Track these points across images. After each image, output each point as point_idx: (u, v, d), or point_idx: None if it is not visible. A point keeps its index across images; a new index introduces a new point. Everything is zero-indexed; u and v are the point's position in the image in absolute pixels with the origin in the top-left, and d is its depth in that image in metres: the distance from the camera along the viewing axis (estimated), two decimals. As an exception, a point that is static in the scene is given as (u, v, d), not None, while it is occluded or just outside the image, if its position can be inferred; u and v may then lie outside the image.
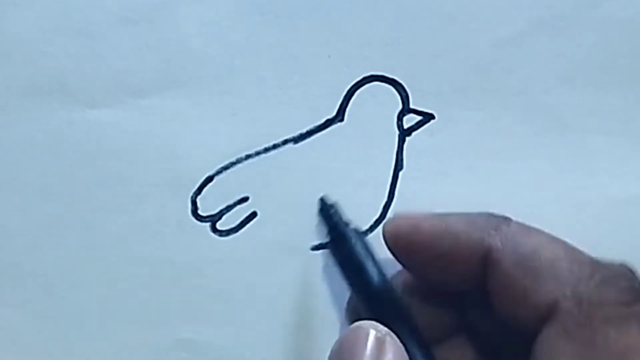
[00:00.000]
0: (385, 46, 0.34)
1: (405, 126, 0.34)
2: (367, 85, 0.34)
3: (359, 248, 0.31)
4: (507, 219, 0.28)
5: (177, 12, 0.34)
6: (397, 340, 0.26)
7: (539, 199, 0.34)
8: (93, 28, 0.34)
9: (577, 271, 0.26)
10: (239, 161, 0.34)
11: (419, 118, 0.34)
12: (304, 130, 0.34)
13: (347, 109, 0.34)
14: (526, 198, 0.34)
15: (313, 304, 0.34)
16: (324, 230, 0.33)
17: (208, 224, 0.34)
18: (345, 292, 0.33)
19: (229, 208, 0.34)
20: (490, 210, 0.29)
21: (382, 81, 0.34)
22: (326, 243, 0.33)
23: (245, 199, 0.34)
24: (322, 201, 0.33)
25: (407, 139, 0.34)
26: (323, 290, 0.33)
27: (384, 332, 0.26)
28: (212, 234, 0.34)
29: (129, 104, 0.34)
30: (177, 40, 0.34)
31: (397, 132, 0.34)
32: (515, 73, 0.34)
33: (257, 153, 0.34)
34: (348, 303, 0.33)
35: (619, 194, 0.34)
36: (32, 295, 0.34)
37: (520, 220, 0.29)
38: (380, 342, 0.26)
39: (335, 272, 0.33)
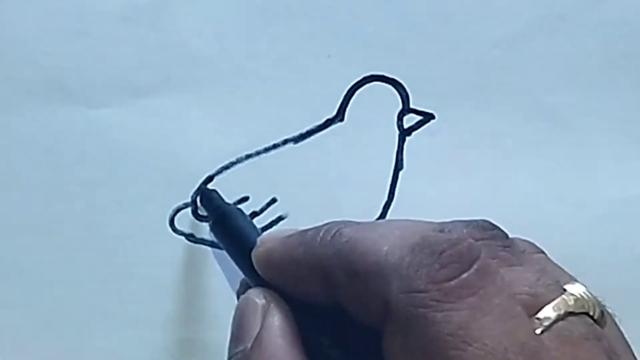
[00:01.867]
0: (385, 46, 0.34)
1: (406, 126, 0.34)
2: (367, 85, 0.34)
3: (242, 221, 0.31)
4: (343, 226, 0.27)
5: (177, 12, 0.34)
6: (284, 303, 0.27)
7: (538, 199, 0.34)
8: (93, 28, 0.34)
9: (399, 262, 0.24)
10: (239, 161, 0.34)
11: (419, 118, 0.34)
12: (304, 130, 0.34)
13: (347, 109, 0.34)
14: (526, 198, 0.34)
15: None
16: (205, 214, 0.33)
17: (208, 224, 0.34)
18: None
19: (229, 208, 0.34)
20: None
21: (382, 81, 0.34)
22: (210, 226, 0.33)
23: (245, 199, 0.34)
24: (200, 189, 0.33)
25: (407, 138, 0.34)
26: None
27: (268, 299, 0.27)
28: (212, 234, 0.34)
29: (129, 104, 0.34)
30: (177, 40, 0.34)
31: (397, 132, 0.34)
32: (516, 73, 0.34)
33: (257, 153, 0.34)
34: (241, 283, 0.32)
35: (618, 194, 0.34)
36: (32, 295, 0.34)
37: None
38: (264, 309, 0.27)
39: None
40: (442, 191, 0.34)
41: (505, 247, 0.26)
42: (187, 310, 0.34)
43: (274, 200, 0.34)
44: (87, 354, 0.34)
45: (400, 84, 0.34)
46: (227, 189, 0.34)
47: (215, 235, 0.32)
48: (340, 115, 0.34)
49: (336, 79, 0.34)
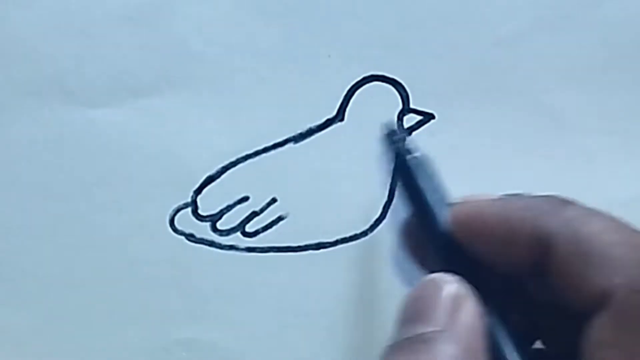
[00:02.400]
0: (385, 46, 0.34)
1: (406, 126, 0.34)
2: (367, 85, 0.34)
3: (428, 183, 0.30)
4: (568, 202, 0.27)
5: (177, 12, 0.34)
6: (472, 296, 0.26)
7: (539, 199, 0.34)
8: (93, 28, 0.34)
9: (634, 258, 0.25)
10: (239, 161, 0.34)
11: (419, 118, 0.34)
12: (304, 130, 0.34)
13: (347, 109, 0.34)
14: (526, 198, 0.34)
15: (313, 304, 0.34)
16: (390, 157, 0.32)
17: (208, 224, 0.34)
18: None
19: (229, 208, 0.34)
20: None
21: (382, 81, 0.34)
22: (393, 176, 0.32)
23: (245, 199, 0.34)
24: (387, 128, 0.32)
25: (408, 138, 0.34)
26: (323, 290, 0.33)
27: (459, 290, 0.26)
28: (213, 234, 0.34)
29: (129, 104, 0.34)
30: (177, 40, 0.34)
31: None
32: (516, 73, 0.34)
33: (257, 153, 0.34)
34: (403, 229, 0.31)
35: (618, 194, 0.34)
36: (32, 295, 0.34)
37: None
38: (455, 299, 0.26)
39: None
40: (442, 191, 0.34)
41: None
42: (187, 310, 0.34)
43: (274, 200, 0.34)
44: (87, 354, 0.34)
45: (401, 84, 0.34)
46: (227, 189, 0.34)
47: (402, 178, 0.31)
48: (340, 115, 0.34)
49: (336, 79, 0.34)
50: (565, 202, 0.27)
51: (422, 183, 0.30)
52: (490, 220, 0.27)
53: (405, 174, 0.31)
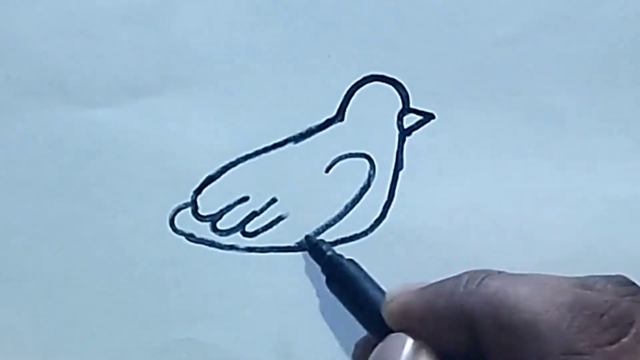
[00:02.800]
0: (385, 46, 0.34)
1: (406, 126, 0.34)
2: (367, 85, 0.34)
3: (359, 282, 0.32)
4: (490, 274, 0.27)
5: (177, 12, 0.34)
6: (432, 351, 0.28)
7: (539, 199, 0.34)
8: (93, 28, 0.34)
9: (558, 322, 0.25)
10: (239, 161, 0.34)
11: (419, 118, 0.34)
12: (304, 130, 0.34)
13: (347, 109, 0.34)
14: (526, 198, 0.34)
15: (312, 304, 0.34)
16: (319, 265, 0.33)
17: (208, 224, 0.34)
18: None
19: (229, 208, 0.34)
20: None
21: (382, 81, 0.34)
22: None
23: (245, 199, 0.34)
24: (309, 240, 0.34)
25: (407, 138, 0.34)
26: (322, 290, 0.33)
27: (420, 342, 0.28)
28: (213, 234, 0.34)
29: (129, 104, 0.34)
30: (177, 40, 0.34)
31: (397, 131, 0.34)
32: (516, 73, 0.34)
33: (257, 153, 0.34)
34: (357, 345, 0.32)
35: (619, 194, 0.34)
36: (32, 295, 0.34)
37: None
38: (416, 349, 0.28)
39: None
40: (442, 191, 0.34)
41: None
42: (188, 310, 0.34)
43: (274, 200, 0.34)
44: (87, 354, 0.34)
45: (401, 84, 0.34)
46: (227, 189, 0.34)
47: (331, 289, 0.32)
48: (340, 115, 0.34)
49: (336, 79, 0.34)
50: (488, 275, 0.27)
51: (356, 287, 0.31)
52: (418, 313, 0.28)
53: (338, 282, 0.32)
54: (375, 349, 0.28)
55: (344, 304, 0.32)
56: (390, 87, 0.34)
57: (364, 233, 0.34)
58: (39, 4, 0.34)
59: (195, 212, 0.34)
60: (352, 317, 0.32)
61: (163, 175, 0.34)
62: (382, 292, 0.31)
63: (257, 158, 0.34)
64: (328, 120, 0.34)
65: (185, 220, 0.34)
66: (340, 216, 0.34)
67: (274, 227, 0.34)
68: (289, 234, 0.34)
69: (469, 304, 0.27)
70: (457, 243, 0.34)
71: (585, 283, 0.26)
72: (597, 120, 0.34)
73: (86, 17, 0.34)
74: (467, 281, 0.27)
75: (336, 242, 0.34)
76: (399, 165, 0.34)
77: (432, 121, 0.34)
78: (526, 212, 0.34)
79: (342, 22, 0.34)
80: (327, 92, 0.34)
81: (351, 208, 0.34)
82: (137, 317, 0.34)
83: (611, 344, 0.24)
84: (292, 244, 0.34)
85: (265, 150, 0.34)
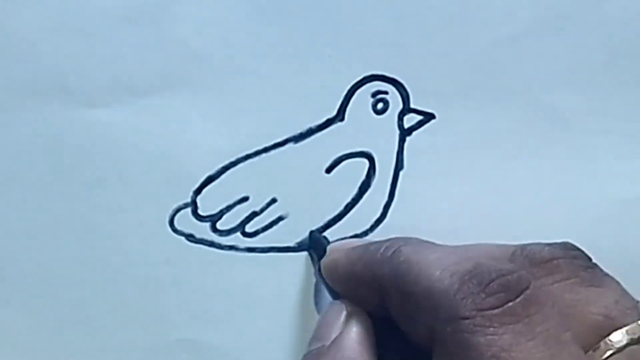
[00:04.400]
0: (385, 46, 0.34)
1: (406, 126, 0.34)
2: (367, 85, 0.34)
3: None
4: (402, 244, 0.28)
5: (178, 11, 0.34)
6: (366, 316, 0.29)
7: (540, 199, 0.34)
8: (93, 28, 0.34)
9: (448, 288, 0.25)
10: (239, 161, 0.34)
11: (420, 118, 0.34)
12: (304, 130, 0.34)
13: (348, 109, 0.34)
14: (527, 198, 0.34)
15: (313, 304, 0.34)
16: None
17: (208, 224, 0.34)
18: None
19: (229, 208, 0.34)
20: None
21: (382, 81, 0.34)
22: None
23: (245, 199, 0.34)
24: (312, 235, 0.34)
25: (408, 138, 0.34)
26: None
27: (351, 308, 0.29)
28: (213, 234, 0.34)
29: (129, 104, 0.34)
30: (177, 39, 0.34)
31: (398, 131, 0.34)
32: (516, 72, 0.34)
33: (257, 153, 0.34)
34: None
35: (620, 194, 0.34)
36: (31, 295, 0.34)
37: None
38: (349, 315, 0.29)
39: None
40: (442, 191, 0.34)
41: (588, 267, 0.27)
42: (187, 310, 0.34)
43: (274, 201, 0.34)
44: (87, 354, 0.34)
45: (401, 84, 0.34)
46: (227, 189, 0.34)
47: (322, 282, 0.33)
48: (340, 115, 0.34)
49: (336, 79, 0.34)
50: (405, 244, 0.28)
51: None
52: (342, 272, 0.30)
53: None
54: (320, 315, 0.31)
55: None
56: (391, 86, 0.34)
57: (364, 233, 0.34)
58: (39, 3, 0.33)
59: (195, 212, 0.34)
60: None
61: (163, 176, 0.34)
62: None
63: (257, 158, 0.34)
64: (328, 120, 0.34)
65: (185, 220, 0.34)
66: (340, 216, 0.34)
67: (274, 227, 0.34)
68: (289, 234, 0.34)
69: (380, 271, 0.28)
70: (458, 243, 0.34)
71: (510, 250, 0.27)
72: (598, 120, 0.34)
73: (86, 16, 0.34)
74: (385, 248, 0.28)
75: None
76: (399, 165, 0.34)
77: (433, 121, 0.34)
78: (527, 211, 0.34)
79: (342, 22, 0.34)
80: (327, 92, 0.34)
81: (351, 208, 0.34)
82: (136, 318, 0.34)
83: (493, 308, 0.24)
84: (292, 244, 0.34)
85: (266, 150, 0.34)
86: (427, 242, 0.29)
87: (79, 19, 0.34)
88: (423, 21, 0.34)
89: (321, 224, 0.34)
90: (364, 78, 0.34)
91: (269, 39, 0.34)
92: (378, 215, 0.34)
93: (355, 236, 0.34)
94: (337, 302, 0.30)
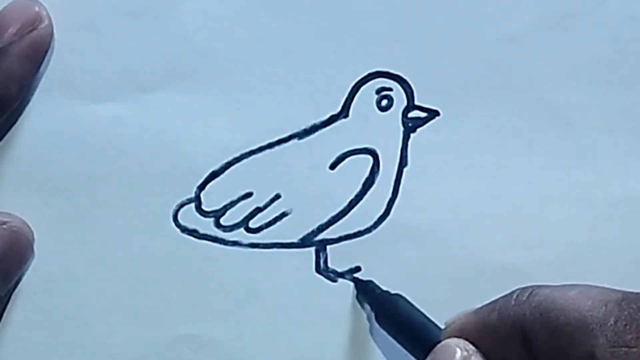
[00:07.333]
0: (390, 42, 0.34)
1: (410, 123, 0.34)
2: (372, 82, 0.34)
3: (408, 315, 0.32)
4: (535, 288, 0.28)
5: (182, 6, 0.34)
6: (482, 357, 0.28)
7: (543, 197, 0.34)
8: (98, 23, 0.34)
9: (606, 317, 0.25)
10: (243, 157, 0.34)
11: (424, 114, 0.34)
12: (308, 126, 0.34)
13: (352, 105, 0.34)
14: (531, 195, 0.34)
15: (316, 300, 0.34)
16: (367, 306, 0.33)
17: (212, 219, 0.34)
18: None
19: (232, 203, 0.34)
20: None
21: (387, 77, 0.34)
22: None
23: (249, 195, 0.34)
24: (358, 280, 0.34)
25: (412, 135, 0.34)
26: (326, 285, 0.33)
27: (470, 351, 0.28)
28: (216, 229, 0.34)
29: (134, 99, 0.34)
30: (182, 35, 0.34)
31: (402, 128, 0.34)
32: (521, 70, 0.34)
33: (261, 149, 0.34)
34: None
35: (624, 192, 0.34)
36: (33, 292, 0.34)
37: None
38: (464, 357, 0.28)
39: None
40: (446, 188, 0.34)
41: None
42: (191, 306, 0.34)
43: (277, 196, 0.34)
44: (89, 350, 0.34)
45: (405, 81, 0.34)
46: (231, 185, 0.34)
47: (381, 326, 0.32)
48: (344, 111, 0.34)
49: (341, 75, 0.34)
50: (538, 287, 0.28)
51: (410, 323, 0.32)
52: (474, 332, 0.29)
53: (390, 319, 0.32)
54: (429, 354, 0.29)
55: (398, 341, 0.32)
56: (395, 83, 0.34)
57: (368, 230, 0.34)
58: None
59: (198, 208, 0.34)
60: (356, 316, 0.32)
61: (166, 171, 0.34)
62: (435, 325, 0.31)
63: (261, 154, 0.34)
64: (332, 116, 0.34)
65: (189, 215, 0.34)
66: (344, 212, 0.34)
67: (278, 223, 0.34)
68: (293, 230, 0.34)
69: (520, 314, 0.28)
70: (461, 240, 0.34)
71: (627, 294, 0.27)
72: (602, 119, 0.34)
73: (91, 11, 0.34)
74: (518, 295, 0.28)
75: (340, 239, 0.34)
76: (403, 162, 0.34)
77: (437, 118, 0.34)
78: (530, 209, 0.34)
79: (347, 18, 0.34)
80: (331, 88, 0.34)
81: (355, 204, 0.34)
82: (139, 313, 0.34)
83: None
84: (295, 240, 0.34)
85: (270, 146, 0.34)
86: (551, 284, 0.29)
87: (84, 14, 0.34)
88: (428, 18, 0.34)
89: (325, 220, 0.34)
90: (369, 75, 0.34)
91: (274, 34, 0.34)
92: (382, 211, 0.34)
93: (359, 232, 0.34)
94: (449, 341, 0.29)
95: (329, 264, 0.34)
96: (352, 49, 0.34)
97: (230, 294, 0.34)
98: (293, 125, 0.34)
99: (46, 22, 0.32)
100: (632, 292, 0.26)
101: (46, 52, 0.33)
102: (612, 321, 0.25)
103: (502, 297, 0.29)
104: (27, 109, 0.34)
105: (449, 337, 0.30)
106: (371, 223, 0.34)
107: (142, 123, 0.34)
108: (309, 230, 0.34)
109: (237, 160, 0.34)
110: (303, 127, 0.34)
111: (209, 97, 0.34)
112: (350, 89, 0.34)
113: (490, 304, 0.29)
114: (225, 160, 0.34)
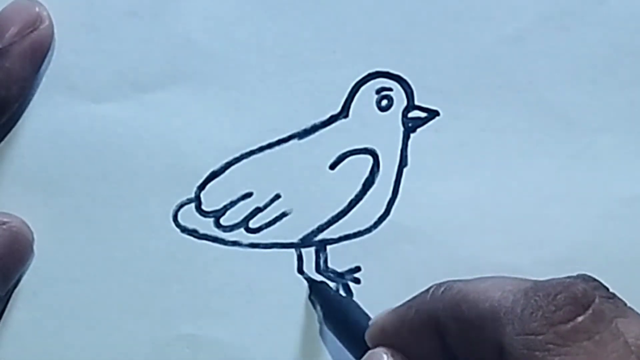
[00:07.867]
0: (390, 42, 0.34)
1: (410, 123, 0.34)
2: (372, 82, 0.34)
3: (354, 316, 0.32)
4: (450, 282, 0.28)
5: (182, 6, 0.34)
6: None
7: (543, 197, 0.34)
8: (98, 22, 0.34)
9: (513, 305, 0.25)
10: (243, 157, 0.34)
11: (424, 115, 0.34)
12: (308, 126, 0.34)
13: (352, 105, 0.34)
14: (530, 195, 0.34)
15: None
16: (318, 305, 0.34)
17: (212, 220, 0.34)
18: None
19: (232, 203, 0.34)
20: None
21: (387, 77, 0.34)
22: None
23: (249, 195, 0.34)
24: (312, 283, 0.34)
25: (412, 135, 0.34)
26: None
27: (395, 356, 0.29)
28: (216, 229, 0.34)
29: (134, 99, 0.34)
30: (182, 35, 0.34)
31: (402, 128, 0.34)
32: (521, 70, 0.34)
33: (261, 149, 0.34)
34: None
35: (624, 192, 0.34)
36: (33, 292, 0.34)
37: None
38: None
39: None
40: (446, 188, 0.34)
41: (609, 298, 0.26)
42: (190, 305, 0.34)
43: (277, 197, 0.34)
44: (89, 349, 0.34)
45: (405, 81, 0.34)
46: (231, 185, 0.34)
47: (328, 327, 0.33)
48: (344, 112, 0.34)
49: (341, 75, 0.34)
50: (452, 282, 0.28)
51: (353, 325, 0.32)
52: (393, 328, 0.29)
53: (335, 320, 0.33)
54: None
55: (343, 344, 0.32)
56: (395, 83, 0.34)
57: (368, 230, 0.34)
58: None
59: (198, 208, 0.34)
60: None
61: (166, 171, 0.34)
62: None
63: (261, 154, 0.34)
64: (332, 116, 0.34)
65: (189, 215, 0.34)
66: (343, 213, 0.34)
67: (278, 224, 0.34)
68: (293, 230, 0.34)
69: (434, 308, 0.28)
70: (461, 240, 0.34)
71: (548, 280, 0.27)
72: (602, 118, 0.34)
73: (91, 11, 0.34)
74: (433, 290, 0.28)
75: (340, 239, 0.34)
76: (403, 162, 0.34)
77: (437, 118, 0.34)
78: (530, 209, 0.34)
79: (347, 18, 0.34)
80: (331, 88, 0.34)
81: (355, 204, 0.34)
82: (139, 313, 0.34)
83: (565, 322, 0.24)
84: (295, 240, 0.34)
85: (270, 146, 0.34)
86: (471, 278, 0.29)
87: (84, 14, 0.34)
88: (428, 18, 0.34)
89: (325, 220, 0.34)
90: (369, 75, 0.34)
91: (274, 34, 0.34)
92: (382, 211, 0.34)
93: (359, 233, 0.34)
94: (374, 351, 0.29)
95: (329, 264, 0.34)
96: (352, 49, 0.34)
97: (231, 294, 0.34)
98: (293, 125, 0.34)
99: (47, 22, 0.32)
100: (542, 281, 0.26)
101: (47, 52, 0.33)
102: (518, 310, 0.25)
103: (419, 293, 0.29)
104: (28, 109, 0.34)
105: (371, 336, 0.30)
106: (371, 223, 0.34)
107: (142, 123, 0.34)
108: (309, 230, 0.34)
109: (237, 160, 0.34)
110: (303, 127, 0.34)
111: (209, 97, 0.34)
112: (350, 89, 0.34)
113: (408, 301, 0.29)
114: (225, 160, 0.34)
